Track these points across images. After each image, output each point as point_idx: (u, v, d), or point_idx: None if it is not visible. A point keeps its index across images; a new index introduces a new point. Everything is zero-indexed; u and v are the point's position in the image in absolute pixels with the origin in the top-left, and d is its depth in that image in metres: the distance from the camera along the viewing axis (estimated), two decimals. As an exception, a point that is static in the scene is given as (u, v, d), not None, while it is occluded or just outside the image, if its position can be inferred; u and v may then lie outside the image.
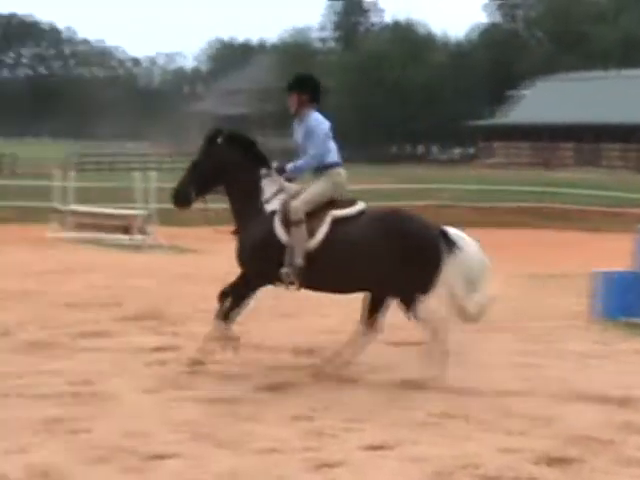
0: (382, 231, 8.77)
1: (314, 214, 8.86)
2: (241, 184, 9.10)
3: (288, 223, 8.85)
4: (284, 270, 8.77)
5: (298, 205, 8.85)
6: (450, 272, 8.81)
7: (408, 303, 8.83)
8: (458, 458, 6.58)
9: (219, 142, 9.17)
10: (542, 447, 6.84)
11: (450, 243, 8.87)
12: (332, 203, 9.00)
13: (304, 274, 8.80)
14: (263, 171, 9.13)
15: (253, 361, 9.26)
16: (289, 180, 9.19)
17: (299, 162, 9.18)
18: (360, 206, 9.01)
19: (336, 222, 8.85)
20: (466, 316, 9.00)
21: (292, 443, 6.88)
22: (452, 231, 9.00)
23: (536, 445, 6.90)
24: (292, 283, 8.88)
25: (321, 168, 9.11)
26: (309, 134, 9.09)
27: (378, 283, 8.88)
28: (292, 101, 9.21)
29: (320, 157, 9.06)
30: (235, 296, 9.03)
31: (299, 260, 8.74)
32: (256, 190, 9.07)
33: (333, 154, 9.15)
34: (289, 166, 9.17)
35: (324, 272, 8.83)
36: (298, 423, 7.40)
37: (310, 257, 8.76)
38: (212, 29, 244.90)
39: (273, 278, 8.94)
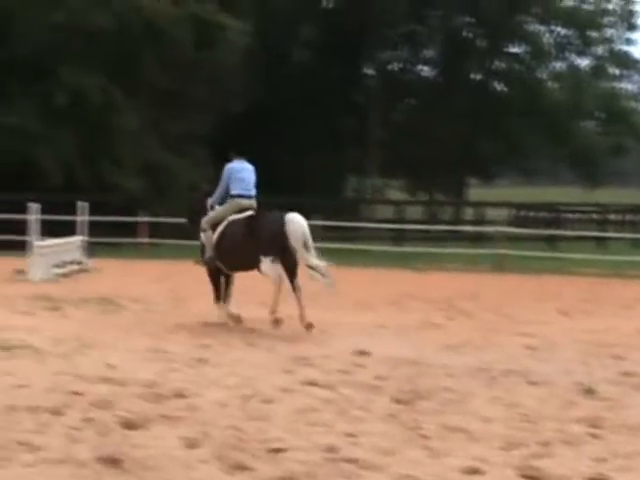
0: (246, 224, 13.55)
1: (223, 219, 13.93)
2: (202, 213, 14.41)
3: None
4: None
5: (203, 220, 14.15)
6: (292, 240, 13.10)
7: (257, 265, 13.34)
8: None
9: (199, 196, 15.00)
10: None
11: (289, 223, 13.19)
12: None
13: (220, 261, 13.87)
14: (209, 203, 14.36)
15: None
16: (212, 207, 14.28)
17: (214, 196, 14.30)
18: (249, 213, 13.78)
19: (230, 223, 13.86)
20: (309, 265, 13.18)
21: None
22: (291, 216, 13.37)
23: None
24: (218, 267, 13.99)
25: (228, 197, 14.01)
26: None
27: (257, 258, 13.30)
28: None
29: (222, 191, 14.12)
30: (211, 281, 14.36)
31: (209, 253, 13.95)
32: (205, 213, 14.35)
33: (237, 188, 13.96)
34: (209, 199, 14.32)
35: (225, 256, 13.80)
36: None
37: (216, 247, 13.87)
38: None
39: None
